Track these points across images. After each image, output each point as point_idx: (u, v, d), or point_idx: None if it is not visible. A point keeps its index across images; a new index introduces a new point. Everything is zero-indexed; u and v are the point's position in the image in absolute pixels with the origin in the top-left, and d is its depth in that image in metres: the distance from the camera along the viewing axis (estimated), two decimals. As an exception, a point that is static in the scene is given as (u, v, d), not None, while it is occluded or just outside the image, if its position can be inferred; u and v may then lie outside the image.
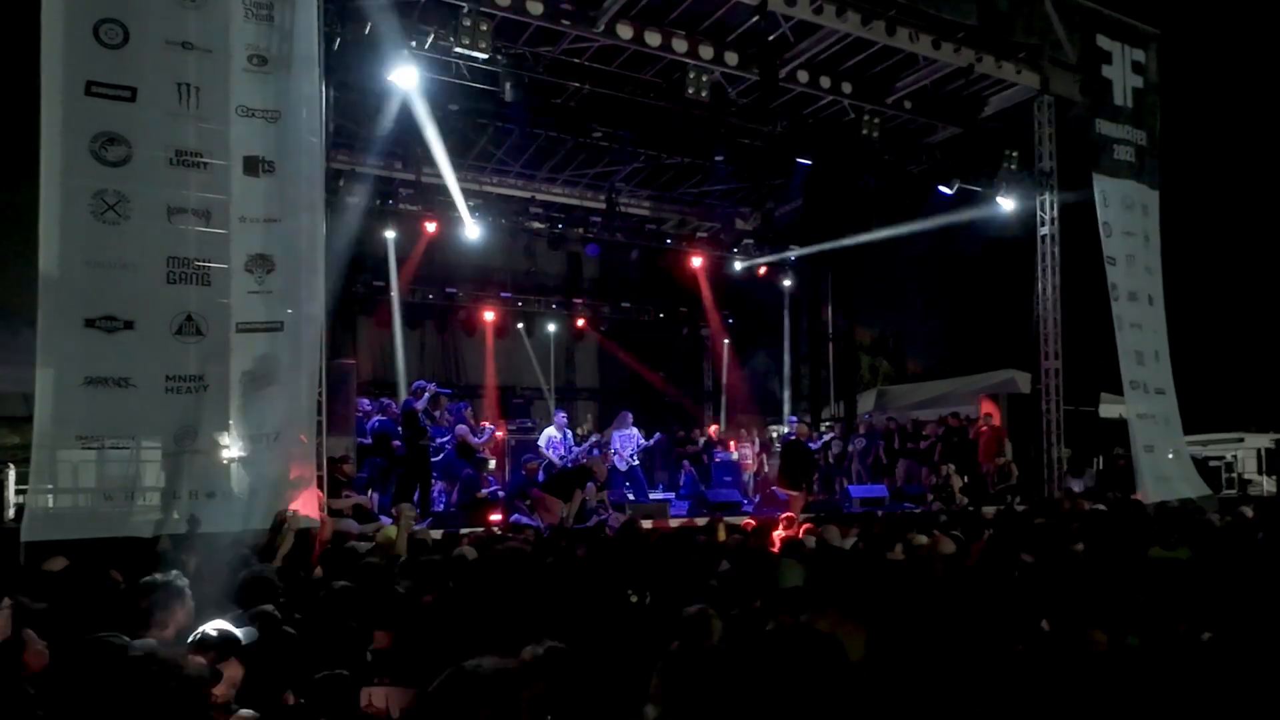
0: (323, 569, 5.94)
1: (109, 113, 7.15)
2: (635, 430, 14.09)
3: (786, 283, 18.64)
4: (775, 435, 16.66)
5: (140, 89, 7.26)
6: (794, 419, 15.26)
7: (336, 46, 9.41)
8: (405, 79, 10.33)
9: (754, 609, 4.25)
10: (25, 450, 7.16)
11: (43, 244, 6.88)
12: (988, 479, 13.68)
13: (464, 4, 9.63)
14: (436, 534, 8.23)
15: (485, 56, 10.05)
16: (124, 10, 7.25)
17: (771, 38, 11.21)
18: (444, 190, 14.17)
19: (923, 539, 6.57)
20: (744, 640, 3.55)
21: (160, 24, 7.37)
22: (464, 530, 8.83)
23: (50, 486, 6.92)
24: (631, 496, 13.30)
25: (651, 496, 14.15)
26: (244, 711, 3.21)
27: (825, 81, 12.32)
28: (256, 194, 7.74)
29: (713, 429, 16.90)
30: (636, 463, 13.97)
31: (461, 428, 12.34)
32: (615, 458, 13.62)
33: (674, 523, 10.94)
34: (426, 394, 11.48)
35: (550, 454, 12.77)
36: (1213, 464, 15.94)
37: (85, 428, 6.97)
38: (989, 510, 11.03)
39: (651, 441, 14.47)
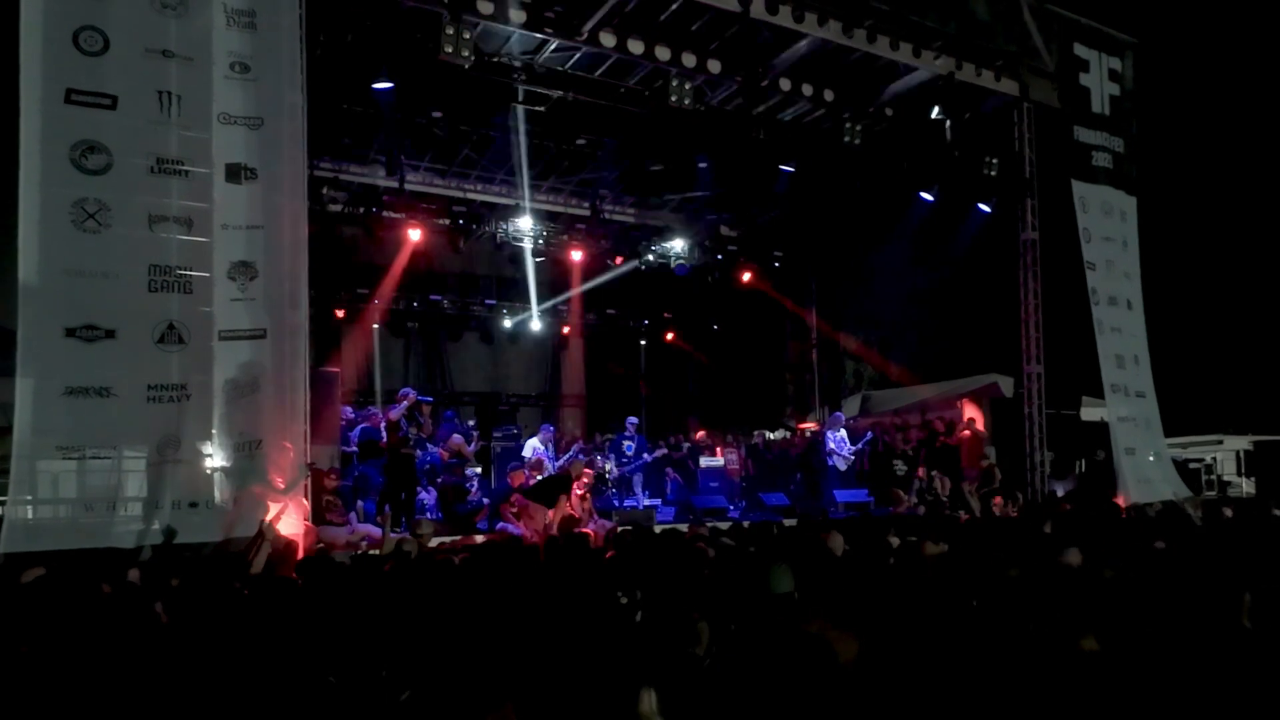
0: (303, 577, 5.88)
1: (89, 121, 7.12)
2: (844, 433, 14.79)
3: (770, 289, 18.66)
4: (771, 436, 16.67)
5: (121, 97, 7.24)
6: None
7: (319, 53, 9.37)
8: (387, 86, 10.29)
9: (744, 615, 4.23)
10: (4, 461, 7.08)
11: (22, 253, 6.84)
12: (971, 482, 13.72)
13: (446, 11, 9.62)
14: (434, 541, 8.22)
15: (468, 64, 10.03)
16: (104, 18, 7.21)
17: (753, 45, 11.26)
18: (427, 197, 14.12)
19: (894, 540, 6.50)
20: (734, 646, 3.54)
21: (140, 32, 7.35)
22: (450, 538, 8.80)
23: (30, 497, 6.86)
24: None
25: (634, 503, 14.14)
26: None
27: (807, 89, 12.38)
28: (239, 201, 7.72)
29: (698, 434, 16.89)
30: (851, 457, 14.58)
31: (457, 438, 12.29)
32: (834, 458, 14.24)
33: (658, 529, 10.89)
34: (407, 401, 11.43)
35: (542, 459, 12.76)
36: (1192, 466, 16.12)
37: (66, 438, 6.92)
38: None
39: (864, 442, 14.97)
